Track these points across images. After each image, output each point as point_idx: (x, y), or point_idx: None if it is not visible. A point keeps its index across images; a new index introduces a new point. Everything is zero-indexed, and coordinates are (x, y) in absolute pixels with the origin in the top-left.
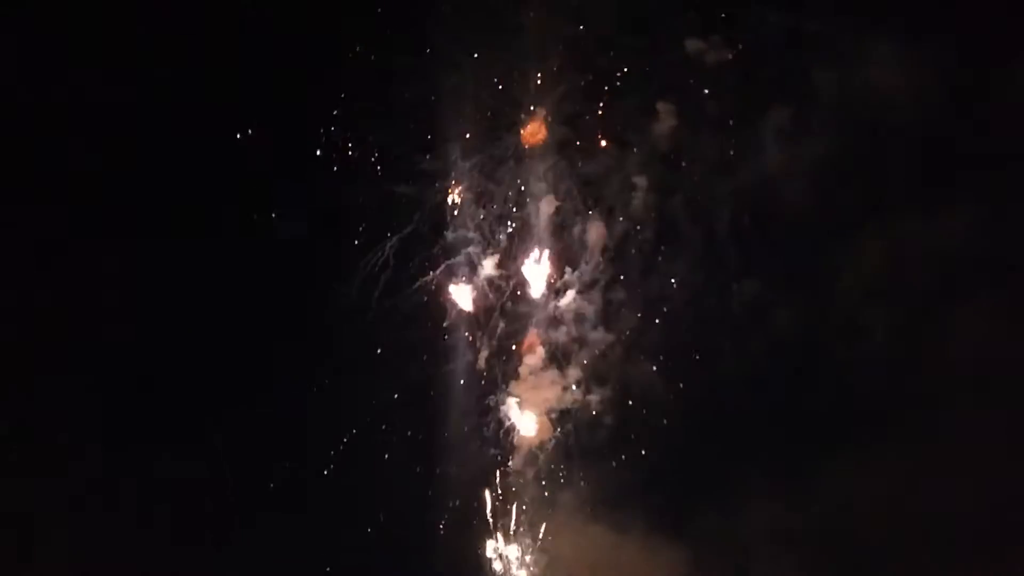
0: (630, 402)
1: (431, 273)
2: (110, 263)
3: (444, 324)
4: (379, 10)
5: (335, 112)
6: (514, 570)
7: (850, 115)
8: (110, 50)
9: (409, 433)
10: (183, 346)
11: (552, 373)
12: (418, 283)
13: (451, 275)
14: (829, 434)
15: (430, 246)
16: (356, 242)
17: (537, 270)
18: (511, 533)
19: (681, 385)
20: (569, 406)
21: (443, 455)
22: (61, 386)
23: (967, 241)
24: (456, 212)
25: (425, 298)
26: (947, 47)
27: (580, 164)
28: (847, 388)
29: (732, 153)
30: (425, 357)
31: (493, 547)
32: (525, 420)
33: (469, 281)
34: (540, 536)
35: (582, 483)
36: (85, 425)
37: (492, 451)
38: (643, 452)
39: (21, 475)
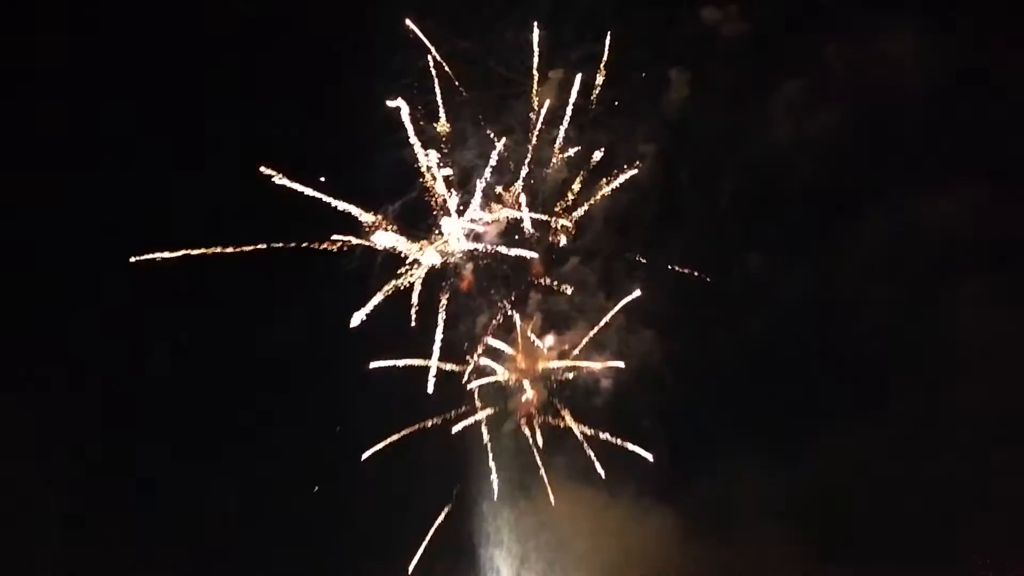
0: (628, 371)
1: (433, 239)
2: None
3: (444, 291)
4: None
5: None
6: (506, 533)
7: (858, 91)
8: None
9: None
10: None
11: (550, 340)
12: (419, 248)
13: (454, 242)
14: (825, 407)
15: (432, 213)
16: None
17: (542, 236)
18: (505, 498)
19: (679, 355)
20: (566, 373)
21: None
22: None
23: (969, 220)
24: (461, 178)
25: (427, 264)
26: (954, 26)
27: (589, 132)
28: (845, 363)
29: (740, 125)
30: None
31: (487, 512)
32: (522, 385)
33: (471, 247)
34: (534, 500)
35: (577, 449)
36: None
37: (488, 416)
38: (637, 418)
39: None
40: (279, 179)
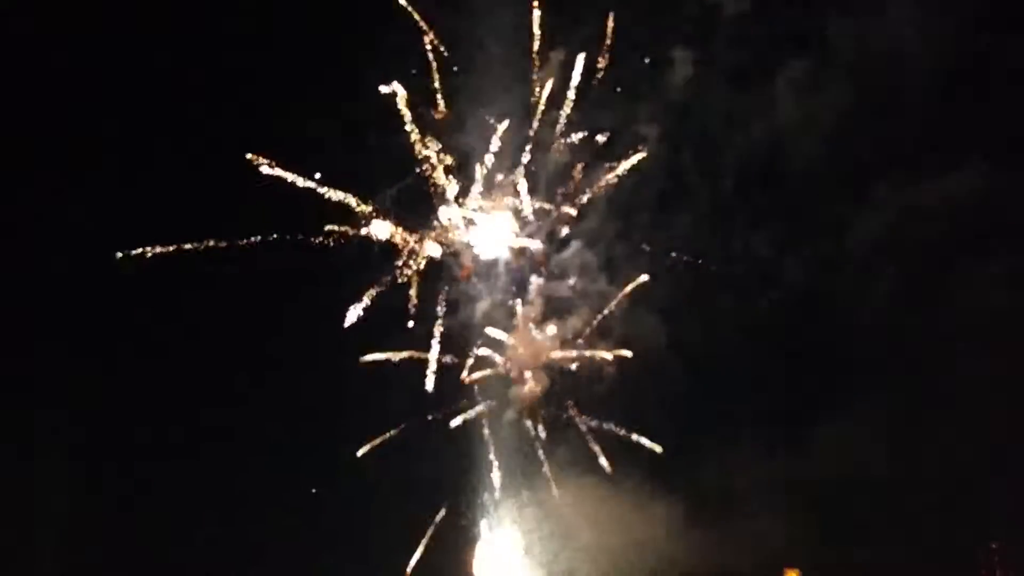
0: (631, 358)
1: (432, 229)
2: None
3: (443, 281)
4: None
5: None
6: (509, 524)
7: (863, 71)
8: None
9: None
10: None
11: (552, 328)
12: (417, 238)
13: (452, 231)
14: (829, 395)
15: (430, 202)
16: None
17: (543, 222)
18: (507, 489)
19: (683, 341)
20: (568, 359)
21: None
22: None
23: (972, 204)
24: (460, 164)
25: (426, 254)
26: (958, 7)
27: (591, 115)
28: (849, 349)
29: (743, 107)
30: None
31: (489, 504)
32: (523, 375)
33: (471, 232)
34: (536, 491)
35: (580, 439)
36: None
37: (489, 407)
38: (641, 406)
39: None
40: (270, 169)
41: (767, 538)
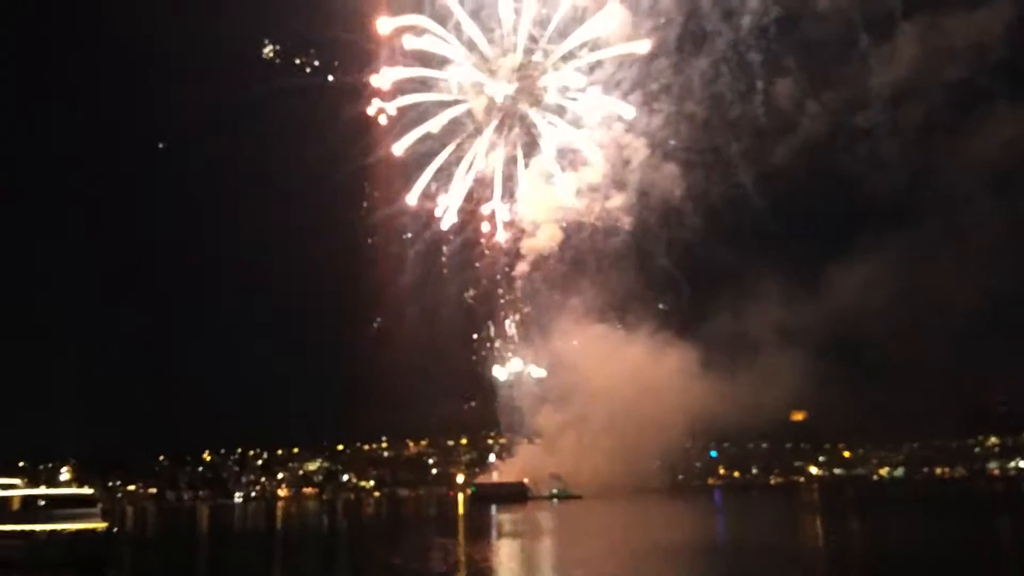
0: (648, 207)
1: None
2: None
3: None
4: None
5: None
6: (524, 371)
7: None
8: None
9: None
10: None
11: (567, 176)
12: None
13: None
14: (843, 236)
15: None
16: None
17: (560, 70)
18: (521, 332)
19: (701, 188)
20: (585, 209)
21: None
22: None
23: (1001, 39)
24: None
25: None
26: None
27: None
28: (866, 189)
29: None
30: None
31: (502, 345)
32: (537, 222)
33: (480, 78)
34: (550, 339)
35: (595, 289)
36: None
37: (502, 257)
38: (658, 257)
39: None
40: None
41: (780, 378)
